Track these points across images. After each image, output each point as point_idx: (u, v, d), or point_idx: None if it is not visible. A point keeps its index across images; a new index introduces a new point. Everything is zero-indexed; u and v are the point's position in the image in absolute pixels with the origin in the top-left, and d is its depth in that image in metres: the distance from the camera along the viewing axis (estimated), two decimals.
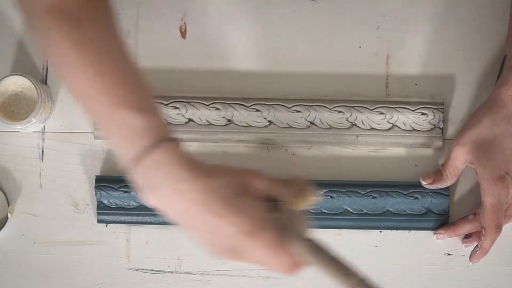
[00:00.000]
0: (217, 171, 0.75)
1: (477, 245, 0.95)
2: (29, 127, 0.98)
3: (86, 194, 1.00)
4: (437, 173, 0.97)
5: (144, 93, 0.74)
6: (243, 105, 1.00)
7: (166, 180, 0.72)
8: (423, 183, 0.97)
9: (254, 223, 0.74)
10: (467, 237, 0.98)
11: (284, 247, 0.75)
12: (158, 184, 0.72)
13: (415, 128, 0.99)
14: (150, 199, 0.73)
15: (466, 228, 0.97)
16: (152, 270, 1.00)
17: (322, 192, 0.95)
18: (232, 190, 0.74)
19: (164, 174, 0.72)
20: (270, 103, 0.99)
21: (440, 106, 0.99)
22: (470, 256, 0.97)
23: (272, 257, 0.75)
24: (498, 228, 0.92)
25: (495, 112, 0.93)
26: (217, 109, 1.00)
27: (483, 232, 0.93)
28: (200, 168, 0.73)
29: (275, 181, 0.77)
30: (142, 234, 1.00)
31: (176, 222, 0.74)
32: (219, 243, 0.74)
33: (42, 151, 1.01)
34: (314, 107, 0.99)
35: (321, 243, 0.76)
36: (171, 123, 1.00)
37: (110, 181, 0.99)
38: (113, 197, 0.99)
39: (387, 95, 1.01)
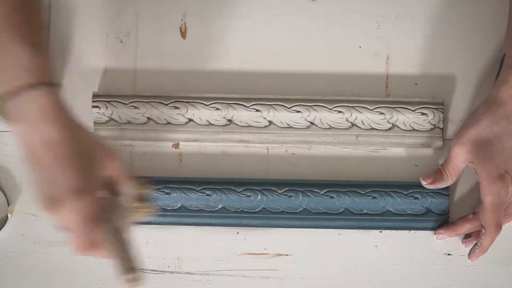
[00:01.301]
0: (82, 132, 0.81)
1: (476, 243, 0.95)
2: None
3: None
4: (437, 173, 0.96)
5: (38, 36, 0.81)
6: (243, 105, 1.00)
7: (31, 118, 0.78)
8: (423, 183, 0.97)
9: (85, 188, 0.78)
10: (467, 237, 0.98)
11: (94, 224, 0.78)
12: (24, 119, 0.78)
13: (415, 128, 0.99)
14: (13, 129, 0.80)
15: (466, 227, 0.97)
16: (152, 270, 1.00)
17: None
18: (84, 153, 0.80)
19: (34, 113, 0.78)
20: (270, 103, 0.99)
21: (440, 106, 0.99)
22: (469, 254, 0.97)
23: (78, 226, 0.78)
24: (498, 227, 0.92)
25: (494, 111, 0.93)
26: (217, 109, 1.00)
27: (483, 231, 0.93)
28: (67, 121, 0.80)
29: (128, 176, 0.83)
30: (142, 234, 1.00)
31: (25, 158, 0.79)
32: (47, 189, 0.78)
33: None
34: (314, 107, 0.99)
35: (126, 241, 0.80)
36: (171, 123, 1.00)
37: None
38: None
39: (387, 95, 1.01)
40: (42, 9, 0.82)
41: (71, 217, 0.78)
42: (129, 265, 0.79)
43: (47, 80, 0.79)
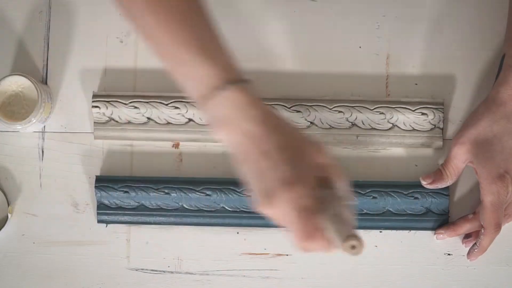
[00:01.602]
0: (283, 124, 0.80)
1: (475, 243, 0.95)
2: (29, 127, 0.98)
3: (86, 194, 1.00)
4: (437, 172, 0.96)
5: (212, 36, 0.81)
6: None
7: (229, 118, 0.79)
8: (423, 183, 0.97)
9: (295, 178, 0.77)
10: (467, 237, 0.98)
11: (311, 214, 0.76)
12: (222, 121, 0.79)
13: (415, 128, 0.99)
14: (217, 134, 0.80)
15: (466, 227, 0.97)
16: (152, 270, 1.00)
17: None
18: (289, 144, 0.79)
19: (230, 112, 0.79)
20: (270, 103, 0.99)
21: (440, 106, 0.99)
22: (468, 253, 0.97)
23: (296, 217, 0.76)
24: (498, 227, 0.92)
25: (494, 111, 0.93)
26: None
27: (482, 230, 0.93)
28: (265, 114, 0.80)
29: (336, 165, 0.81)
30: (142, 234, 1.00)
31: (234, 156, 0.80)
32: (259, 185, 0.78)
33: (42, 151, 1.01)
34: (314, 107, 0.99)
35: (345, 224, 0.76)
36: (171, 123, 1.00)
37: (110, 181, 0.99)
38: (113, 197, 0.99)
39: (387, 95, 1.01)
40: (210, 15, 0.82)
41: (287, 209, 0.77)
42: (348, 232, 0.75)
43: (233, 78, 0.79)
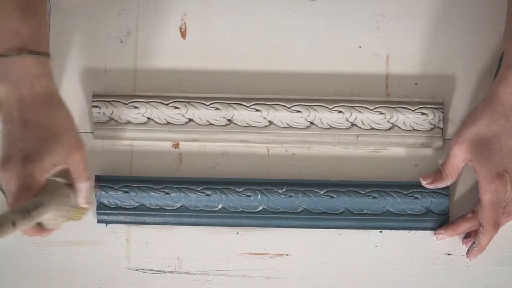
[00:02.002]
0: (59, 109, 0.86)
1: (474, 242, 0.95)
2: None
3: None
4: (437, 172, 0.96)
5: (36, 4, 0.85)
6: (243, 105, 1.00)
7: (14, 79, 0.83)
8: (423, 182, 0.97)
9: (36, 158, 0.82)
10: (467, 237, 0.98)
11: (27, 195, 0.81)
12: (7, 78, 0.83)
13: (415, 128, 0.99)
14: None
15: (466, 226, 0.97)
16: (152, 270, 1.00)
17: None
18: (52, 128, 0.84)
19: (15, 74, 0.83)
20: (270, 103, 0.99)
21: (440, 106, 0.99)
22: (467, 252, 0.97)
23: (14, 190, 0.82)
24: (496, 226, 0.92)
25: (493, 109, 0.93)
26: (217, 109, 1.00)
27: (481, 229, 0.93)
28: (46, 91, 0.85)
29: (85, 172, 0.88)
30: (142, 234, 1.00)
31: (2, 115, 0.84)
32: (6, 147, 0.83)
33: None
34: (314, 107, 0.99)
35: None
36: (171, 123, 1.00)
37: (110, 181, 0.99)
38: (113, 197, 0.99)
39: (387, 95, 1.01)
40: None
41: (11, 180, 0.82)
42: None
43: (35, 48, 0.84)
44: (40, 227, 0.88)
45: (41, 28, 0.86)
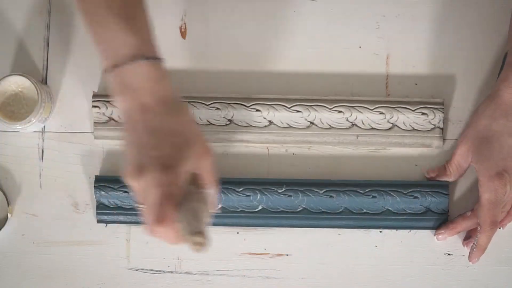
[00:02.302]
0: (183, 114, 0.83)
1: (473, 243, 0.95)
2: (29, 127, 0.98)
3: (86, 194, 1.01)
4: (442, 168, 0.98)
5: (140, 11, 0.84)
6: (243, 105, 1.00)
7: (133, 88, 0.81)
8: (427, 175, 0.98)
9: (173, 165, 0.79)
10: (467, 238, 0.98)
11: (172, 203, 0.78)
12: (126, 89, 0.81)
13: (415, 128, 0.99)
14: (117, 100, 0.82)
15: (465, 224, 0.97)
16: (152, 270, 1.00)
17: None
18: (181, 134, 0.81)
19: (136, 82, 0.81)
20: (270, 103, 0.99)
21: (440, 106, 0.99)
22: (469, 255, 0.96)
23: (155, 199, 0.78)
24: (494, 225, 0.92)
25: (494, 109, 0.93)
26: (217, 109, 1.00)
27: (479, 228, 0.93)
28: (169, 96, 0.82)
29: (214, 177, 0.84)
30: (142, 234, 1.00)
31: (123, 125, 0.82)
32: (136, 155, 0.80)
33: (42, 151, 1.01)
34: (314, 107, 0.99)
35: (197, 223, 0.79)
36: None
37: (110, 181, 0.99)
38: (112, 197, 0.99)
39: (387, 95, 1.01)
40: None
41: (152, 188, 0.79)
42: (197, 229, 0.77)
43: (149, 54, 0.82)
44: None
45: (147, 33, 0.83)
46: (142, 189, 0.79)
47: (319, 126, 1.00)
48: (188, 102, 0.99)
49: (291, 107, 0.99)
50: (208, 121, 1.00)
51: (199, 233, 0.77)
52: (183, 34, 1.02)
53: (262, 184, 0.98)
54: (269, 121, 1.00)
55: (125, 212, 0.99)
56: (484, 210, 0.92)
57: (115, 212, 0.99)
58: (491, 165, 0.91)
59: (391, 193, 0.98)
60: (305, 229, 0.99)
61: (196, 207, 0.80)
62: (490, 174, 0.91)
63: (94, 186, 0.99)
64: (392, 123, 0.99)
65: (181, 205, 0.79)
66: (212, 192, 0.84)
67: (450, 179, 0.97)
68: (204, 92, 1.00)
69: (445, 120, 1.00)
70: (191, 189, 0.82)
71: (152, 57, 0.82)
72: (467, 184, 0.99)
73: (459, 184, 0.99)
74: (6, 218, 0.99)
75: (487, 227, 0.92)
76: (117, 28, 0.81)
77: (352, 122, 0.99)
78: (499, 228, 0.96)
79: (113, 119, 1.00)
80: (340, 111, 0.99)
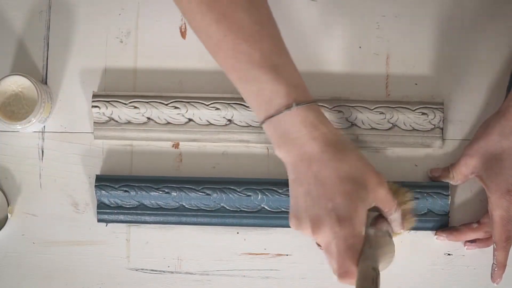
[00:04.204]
0: (350, 153, 0.80)
1: (493, 263, 0.94)
2: (29, 127, 0.98)
3: (86, 194, 1.00)
4: (445, 170, 0.97)
5: (282, 56, 0.82)
6: (243, 105, 1.00)
7: (294, 137, 0.79)
8: (429, 174, 0.98)
9: (349, 217, 0.77)
10: (471, 240, 0.98)
11: (354, 255, 0.77)
12: (285, 139, 0.80)
13: (415, 128, 0.99)
14: (277, 152, 0.82)
15: (469, 236, 0.97)
16: (152, 270, 1.00)
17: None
18: (351, 176, 0.79)
19: (294, 131, 0.79)
20: None
21: (440, 106, 0.99)
22: (492, 277, 0.95)
23: (338, 252, 0.78)
24: (509, 240, 0.92)
25: (504, 125, 0.92)
26: (217, 109, 1.00)
27: (494, 246, 0.93)
28: (330, 138, 0.80)
29: (394, 202, 0.82)
30: (142, 234, 1.00)
31: (289, 175, 0.81)
32: (307, 208, 0.78)
33: (42, 151, 1.01)
34: None
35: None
36: (171, 123, 1.00)
37: (110, 180, 0.99)
38: (113, 197, 0.99)
39: (387, 95, 1.01)
40: (279, 30, 0.83)
41: (330, 242, 0.78)
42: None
43: (301, 99, 0.80)
44: None
45: (295, 78, 0.81)
46: (326, 243, 0.79)
47: None
48: (188, 102, 1.00)
49: None
50: (208, 121, 1.00)
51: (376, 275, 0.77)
52: (183, 34, 1.02)
53: (263, 184, 0.98)
54: None
55: (126, 211, 0.99)
56: (497, 227, 0.92)
57: (115, 211, 0.99)
58: (502, 182, 0.91)
59: None
60: None
61: (377, 253, 0.79)
62: (501, 191, 0.91)
63: (95, 186, 0.99)
64: (392, 123, 0.99)
65: (363, 253, 0.78)
66: (395, 217, 0.83)
67: (452, 182, 0.97)
68: (204, 92, 1.00)
69: (445, 120, 1.00)
70: (371, 233, 0.81)
71: (305, 102, 0.80)
72: (468, 185, 0.99)
73: (460, 185, 0.99)
74: (6, 218, 0.99)
75: (503, 244, 0.92)
76: (264, 80, 0.79)
77: (352, 122, 0.99)
78: None
79: (113, 119, 1.00)
80: (340, 111, 0.99)
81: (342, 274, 0.79)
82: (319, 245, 0.83)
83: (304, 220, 0.80)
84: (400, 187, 0.89)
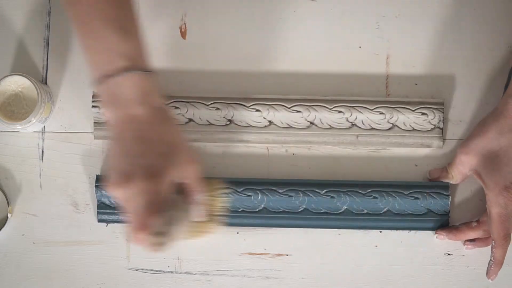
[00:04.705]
0: (169, 124, 0.84)
1: (490, 259, 0.95)
2: (29, 127, 0.98)
3: (86, 194, 1.00)
4: (444, 171, 0.98)
5: (133, 23, 0.85)
6: (243, 105, 1.00)
7: (123, 98, 0.82)
8: (428, 176, 0.98)
9: (158, 173, 0.80)
10: (471, 240, 0.98)
11: (154, 211, 0.80)
12: (116, 99, 0.82)
13: (415, 128, 0.99)
14: (106, 110, 0.84)
15: (469, 235, 0.97)
16: (152, 270, 1.00)
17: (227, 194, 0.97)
18: (166, 143, 0.83)
19: (127, 93, 0.82)
20: (270, 103, 0.99)
21: (440, 106, 0.99)
22: (487, 273, 0.96)
23: (140, 207, 0.80)
24: (507, 237, 0.93)
25: (502, 123, 0.92)
26: (217, 109, 1.00)
27: (493, 243, 0.93)
28: (157, 107, 0.83)
29: (201, 184, 0.86)
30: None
31: (109, 134, 0.84)
32: (122, 164, 0.81)
33: (42, 151, 1.01)
34: (314, 107, 0.99)
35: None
36: None
37: None
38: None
39: (387, 95, 1.01)
40: (134, 2, 0.86)
41: (135, 197, 0.80)
42: (159, 229, 0.80)
43: (140, 65, 0.83)
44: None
45: (141, 46, 0.85)
46: (128, 197, 0.81)
47: (319, 126, 1.00)
48: (188, 102, 0.99)
49: (291, 107, 0.99)
50: (208, 121, 1.00)
51: (160, 233, 0.79)
52: (183, 34, 1.02)
53: (263, 184, 0.98)
54: (269, 121, 1.00)
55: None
56: (495, 225, 0.92)
57: (115, 211, 0.99)
58: (500, 179, 0.92)
59: (392, 194, 0.98)
60: (305, 229, 0.99)
61: (174, 215, 0.82)
62: (498, 188, 0.91)
63: (95, 186, 0.99)
64: (392, 123, 0.99)
65: (162, 213, 0.80)
66: (198, 200, 0.86)
67: (452, 182, 0.97)
68: (204, 92, 1.00)
69: (445, 120, 1.00)
70: (176, 198, 0.84)
71: (145, 69, 0.83)
72: (468, 185, 0.99)
73: (461, 185, 0.99)
74: (6, 218, 0.99)
75: (501, 241, 0.92)
76: (112, 39, 0.82)
77: (352, 122, 0.99)
78: None
79: None
80: (340, 111, 0.99)
81: (139, 228, 0.80)
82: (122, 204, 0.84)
83: (114, 176, 0.82)
84: (218, 182, 0.92)
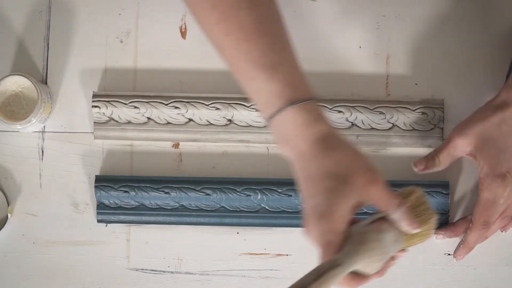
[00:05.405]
0: (341, 149, 0.79)
1: (461, 239, 0.95)
2: (29, 127, 0.98)
3: (86, 194, 1.01)
4: (429, 159, 0.96)
5: (280, 53, 0.80)
6: (243, 105, 1.00)
7: (289, 136, 0.79)
8: (415, 169, 0.96)
9: (326, 213, 0.76)
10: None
11: (333, 250, 0.76)
12: (283, 139, 0.80)
13: (415, 128, 0.99)
14: (279, 151, 0.82)
15: (466, 228, 0.97)
16: (152, 270, 1.00)
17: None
18: (338, 173, 0.78)
19: (288, 131, 0.79)
20: None
21: (440, 105, 0.99)
22: (455, 251, 0.97)
23: (319, 250, 0.77)
24: (485, 224, 0.92)
25: (505, 110, 0.92)
26: (217, 109, 1.00)
27: (470, 225, 0.93)
28: (321, 135, 0.79)
29: (393, 202, 0.79)
30: (142, 234, 1.00)
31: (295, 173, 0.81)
32: (304, 209, 0.78)
33: (42, 151, 1.01)
34: None
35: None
36: (171, 123, 1.00)
37: (110, 180, 0.99)
38: (113, 197, 0.99)
39: (387, 95, 1.01)
40: (283, 28, 0.82)
41: (315, 240, 0.78)
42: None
43: (295, 98, 0.79)
44: (358, 276, 0.79)
45: (292, 76, 0.80)
46: (312, 240, 0.78)
47: None
48: (188, 102, 1.00)
49: None
50: (208, 121, 1.00)
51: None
52: (183, 34, 1.03)
53: (263, 184, 0.98)
54: None
55: (126, 211, 0.99)
56: (479, 208, 0.92)
57: (115, 211, 0.99)
58: (496, 165, 0.91)
59: None
60: None
61: (366, 248, 0.77)
62: (493, 173, 0.91)
63: (95, 186, 0.99)
64: (392, 123, 0.99)
65: (342, 249, 0.77)
66: (396, 215, 0.79)
67: (438, 168, 0.96)
68: (204, 92, 1.00)
69: (445, 120, 1.00)
70: (363, 228, 0.79)
71: (300, 100, 0.79)
72: (468, 184, 0.99)
73: (460, 184, 0.99)
74: (6, 218, 0.99)
75: (479, 226, 0.92)
76: (261, 79, 0.79)
77: (352, 122, 0.99)
78: (502, 232, 0.96)
79: (113, 119, 1.00)
80: (340, 111, 0.99)
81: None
82: None
83: (302, 219, 0.80)
84: (414, 189, 0.83)
